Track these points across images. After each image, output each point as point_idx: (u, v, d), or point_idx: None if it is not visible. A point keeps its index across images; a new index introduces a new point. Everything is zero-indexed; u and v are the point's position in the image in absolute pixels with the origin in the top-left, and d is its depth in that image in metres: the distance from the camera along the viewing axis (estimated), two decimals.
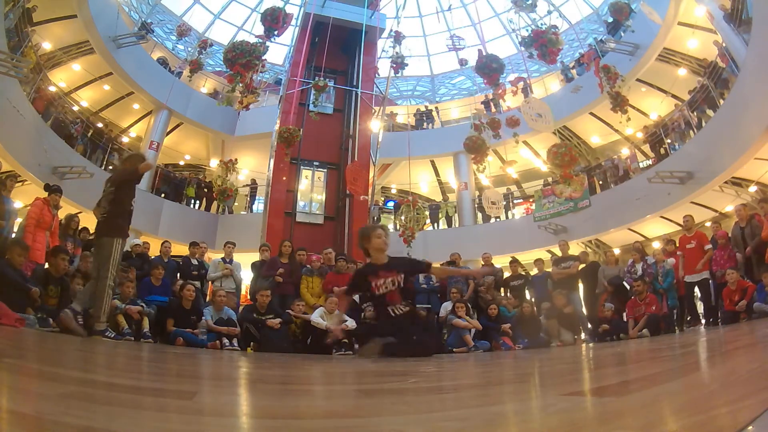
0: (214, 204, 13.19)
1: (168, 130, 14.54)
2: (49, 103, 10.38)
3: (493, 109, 12.32)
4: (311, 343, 5.33)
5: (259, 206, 13.98)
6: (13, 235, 5.23)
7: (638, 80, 12.61)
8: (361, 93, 11.69)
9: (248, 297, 7.20)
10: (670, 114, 11.67)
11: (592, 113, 14.15)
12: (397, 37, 12.03)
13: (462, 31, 16.18)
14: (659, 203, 10.47)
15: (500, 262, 9.99)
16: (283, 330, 5.36)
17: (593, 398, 1.07)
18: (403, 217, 9.75)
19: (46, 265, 4.99)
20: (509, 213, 14.37)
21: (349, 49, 12.12)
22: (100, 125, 13.27)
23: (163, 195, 13.20)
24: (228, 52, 7.53)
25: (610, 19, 11.92)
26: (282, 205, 10.41)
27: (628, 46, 12.11)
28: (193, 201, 13.99)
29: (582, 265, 7.48)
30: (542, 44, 7.06)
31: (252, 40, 8.01)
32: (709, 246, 6.54)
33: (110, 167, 11.54)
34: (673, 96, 12.86)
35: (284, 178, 10.49)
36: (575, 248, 10.20)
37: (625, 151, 13.33)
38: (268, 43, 8.05)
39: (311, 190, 11.24)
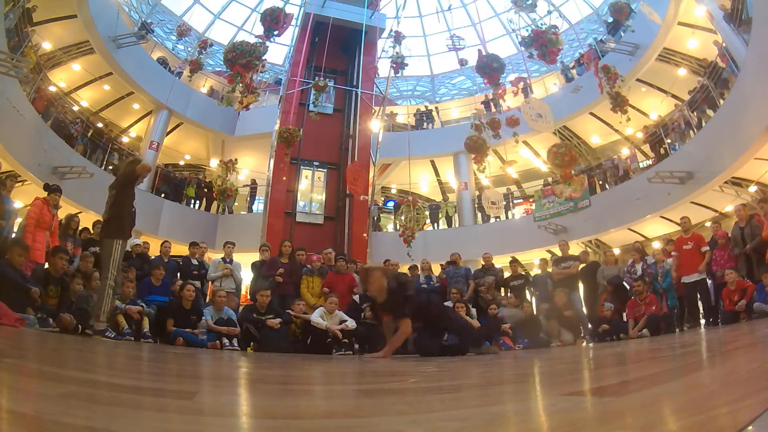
0: (214, 204, 13.18)
1: (168, 130, 14.53)
2: (49, 103, 10.37)
3: (493, 109, 12.29)
4: (311, 343, 5.33)
5: (259, 206, 13.95)
6: (13, 235, 5.22)
7: (638, 80, 12.60)
8: (361, 93, 11.70)
9: (248, 297, 7.20)
10: (670, 114, 11.66)
11: (592, 113, 14.14)
12: (397, 37, 12.01)
13: (462, 31, 16.16)
14: (659, 203, 10.46)
15: (500, 262, 9.98)
16: (283, 330, 5.36)
17: (593, 398, 1.07)
18: (403, 217, 9.73)
19: (46, 265, 4.99)
20: (509, 213, 14.34)
21: (349, 49, 12.12)
22: (100, 125, 13.26)
23: (163, 195, 13.20)
24: (228, 52, 7.53)
25: (610, 19, 11.90)
26: (282, 205, 10.41)
27: (628, 46, 12.10)
28: (193, 201, 13.97)
29: (582, 265, 7.49)
30: (542, 44, 7.06)
31: (252, 40, 8.00)
32: (707, 248, 6.54)
33: (110, 167, 11.55)
34: (673, 96, 12.85)
35: (284, 178, 10.50)
36: (575, 248, 10.18)
37: (625, 151, 13.31)
38: (268, 43, 8.04)
39: (311, 190, 11.25)
